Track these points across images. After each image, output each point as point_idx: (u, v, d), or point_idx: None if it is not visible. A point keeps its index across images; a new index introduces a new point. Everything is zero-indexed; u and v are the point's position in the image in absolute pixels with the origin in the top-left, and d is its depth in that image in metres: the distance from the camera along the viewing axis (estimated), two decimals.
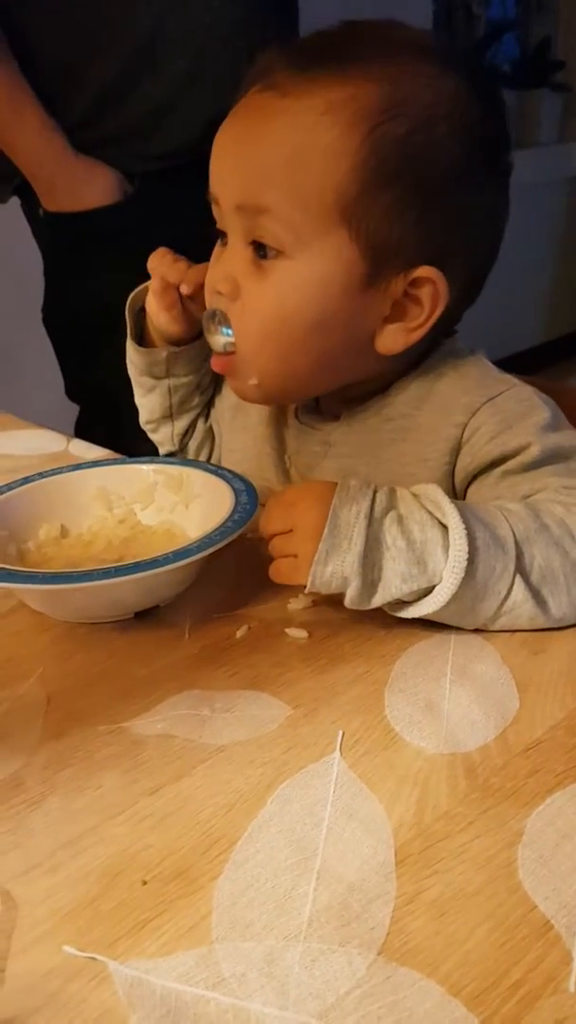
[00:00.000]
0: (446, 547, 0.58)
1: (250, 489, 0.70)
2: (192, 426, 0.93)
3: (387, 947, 0.40)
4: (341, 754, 0.51)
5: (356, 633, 0.62)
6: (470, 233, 0.68)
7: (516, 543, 0.59)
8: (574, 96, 3.49)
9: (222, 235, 0.72)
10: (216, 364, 0.73)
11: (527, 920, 0.40)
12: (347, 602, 0.60)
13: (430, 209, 0.65)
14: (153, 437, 0.95)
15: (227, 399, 0.78)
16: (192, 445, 0.94)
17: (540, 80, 3.41)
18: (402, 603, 0.60)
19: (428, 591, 0.58)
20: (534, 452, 0.66)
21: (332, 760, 0.50)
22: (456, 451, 0.70)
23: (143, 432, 1.04)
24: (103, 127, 1.30)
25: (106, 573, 0.60)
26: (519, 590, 0.59)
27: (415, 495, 0.61)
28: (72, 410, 1.50)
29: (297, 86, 0.64)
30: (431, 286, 0.66)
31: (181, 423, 0.92)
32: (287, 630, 0.63)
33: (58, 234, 1.39)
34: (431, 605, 0.58)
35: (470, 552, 0.57)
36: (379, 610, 0.61)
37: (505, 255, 0.73)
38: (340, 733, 0.52)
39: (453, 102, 0.64)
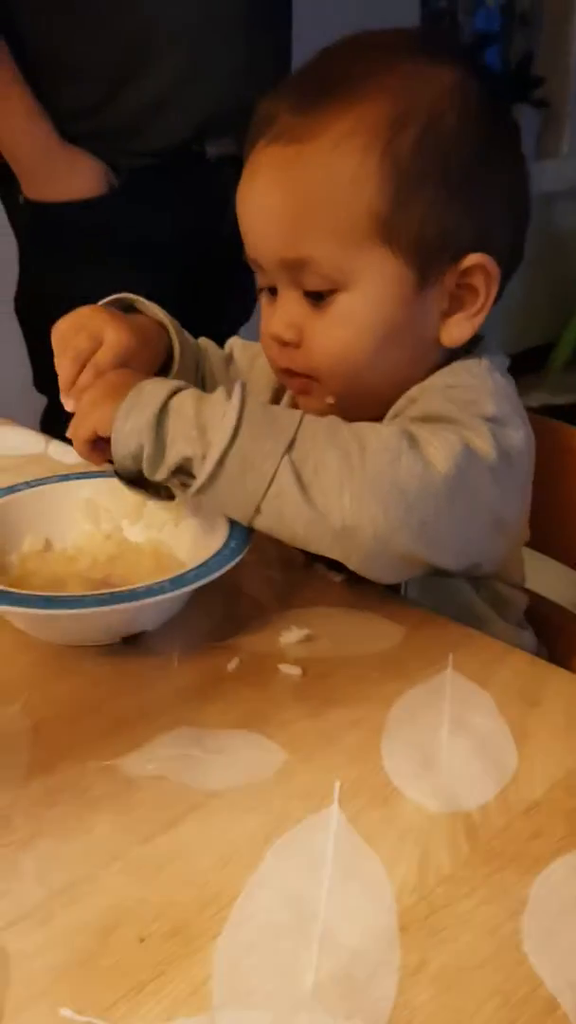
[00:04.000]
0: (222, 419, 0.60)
1: None
2: None
3: (394, 1022, 0.39)
4: (339, 807, 0.50)
5: (350, 671, 0.61)
6: (504, 205, 0.69)
7: (295, 433, 0.60)
8: (552, 113, 3.50)
9: (270, 290, 0.72)
10: (294, 386, 0.74)
11: (534, 997, 0.40)
12: (145, 466, 0.62)
13: (462, 199, 0.66)
14: None
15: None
16: None
17: (520, 95, 3.42)
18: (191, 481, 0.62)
19: None
20: (417, 406, 0.67)
21: (330, 813, 0.49)
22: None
23: None
24: (94, 120, 1.28)
25: (101, 600, 0.58)
26: (286, 473, 0.59)
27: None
28: (38, 401, 1.47)
29: (304, 129, 0.65)
30: (482, 271, 0.67)
31: None
32: (280, 666, 0.61)
33: (38, 223, 1.37)
34: (204, 471, 0.60)
35: (239, 420, 0.59)
36: (371, 645, 0.60)
37: None
38: (337, 784, 0.51)
39: (454, 91, 0.65)
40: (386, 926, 0.43)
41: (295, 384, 0.74)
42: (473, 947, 0.42)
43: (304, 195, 0.65)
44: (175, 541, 0.73)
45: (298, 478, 0.59)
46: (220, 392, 0.62)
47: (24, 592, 0.59)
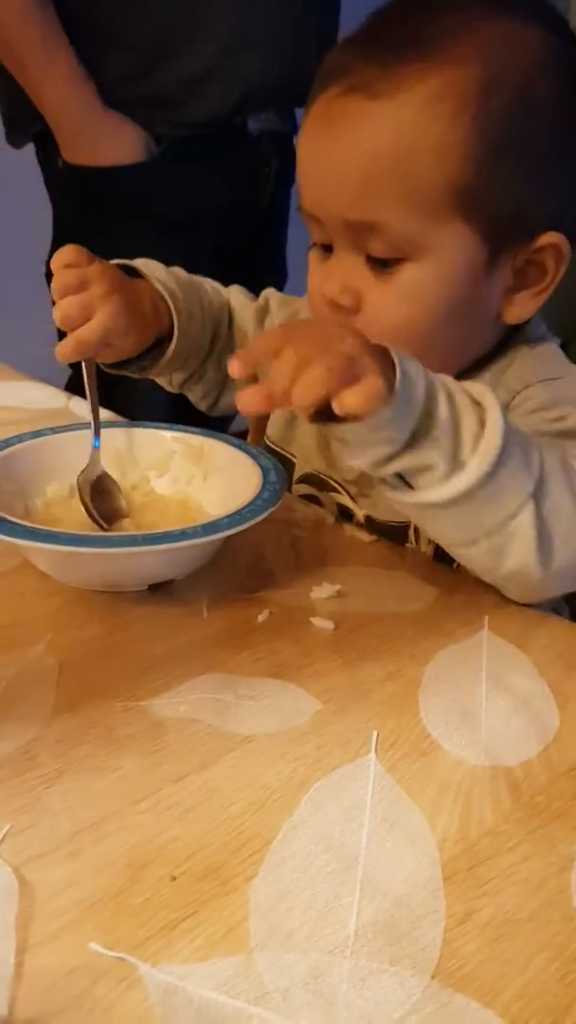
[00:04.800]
0: (478, 438, 0.53)
1: (278, 468, 0.67)
2: (195, 375, 0.85)
3: (440, 970, 0.37)
4: (376, 756, 0.48)
5: (383, 628, 0.59)
6: None
7: (541, 467, 0.55)
8: None
9: (323, 246, 0.67)
10: None
11: None
12: (367, 459, 0.53)
13: (544, 174, 0.62)
14: None
15: None
16: (197, 388, 0.86)
17: None
18: (407, 488, 0.55)
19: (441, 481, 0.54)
20: (570, 422, 0.63)
21: (368, 762, 0.48)
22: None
23: (138, 402, 0.99)
24: (138, 88, 1.26)
25: (132, 540, 0.56)
26: (528, 514, 0.55)
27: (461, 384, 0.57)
28: (63, 371, 1.45)
29: (385, 84, 0.60)
30: (554, 250, 0.64)
31: (179, 376, 0.84)
32: (312, 619, 0.59)
33: (74, 187, 1.35)
34: (448, 490, 0.53)
35: (502, 449, 0.53)
36: (403, 604, 0.58)
37: None
38: (375, 734, 0.49)
39: (544, 57, 0.61)
40: (429, 875, 0.41)
41: None
42: (520, 901, 0.40)
43: (381, 155, 0.60)
44: (203, 495, 0.71)
45: (537, 518, 0.55)
46: (464, 396, 0.54)
47: (52, 530, 0.57)
